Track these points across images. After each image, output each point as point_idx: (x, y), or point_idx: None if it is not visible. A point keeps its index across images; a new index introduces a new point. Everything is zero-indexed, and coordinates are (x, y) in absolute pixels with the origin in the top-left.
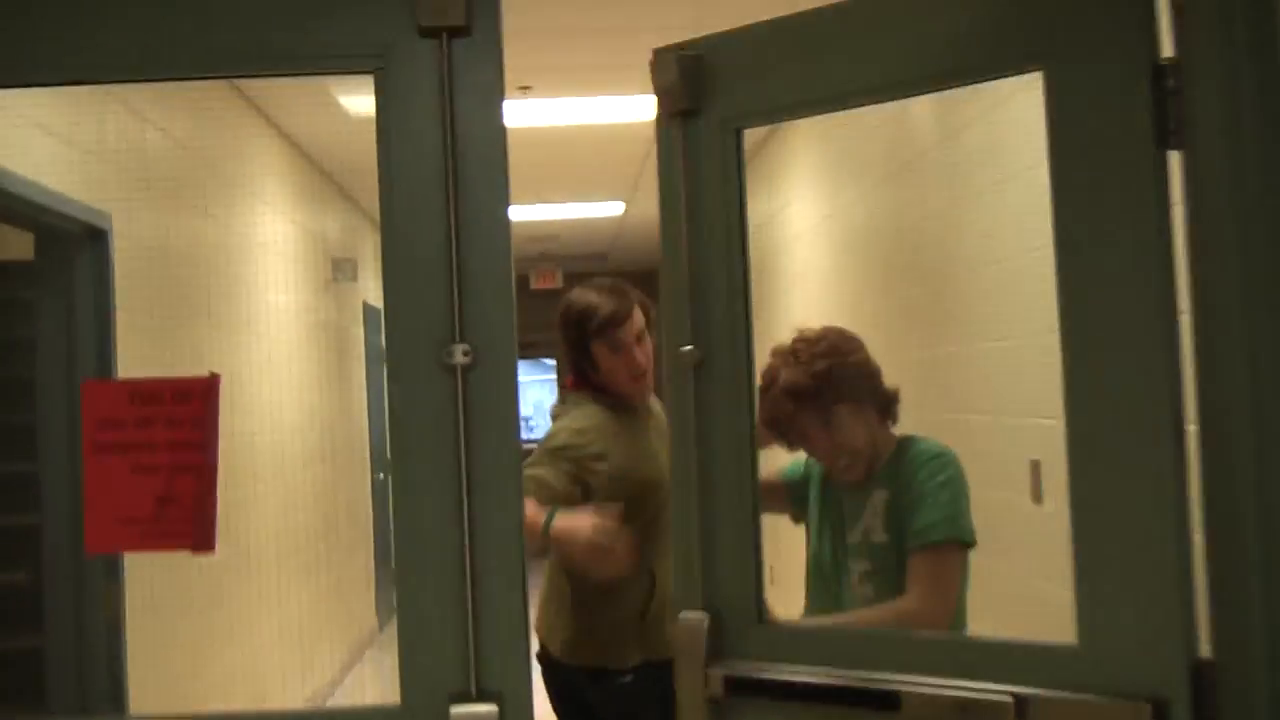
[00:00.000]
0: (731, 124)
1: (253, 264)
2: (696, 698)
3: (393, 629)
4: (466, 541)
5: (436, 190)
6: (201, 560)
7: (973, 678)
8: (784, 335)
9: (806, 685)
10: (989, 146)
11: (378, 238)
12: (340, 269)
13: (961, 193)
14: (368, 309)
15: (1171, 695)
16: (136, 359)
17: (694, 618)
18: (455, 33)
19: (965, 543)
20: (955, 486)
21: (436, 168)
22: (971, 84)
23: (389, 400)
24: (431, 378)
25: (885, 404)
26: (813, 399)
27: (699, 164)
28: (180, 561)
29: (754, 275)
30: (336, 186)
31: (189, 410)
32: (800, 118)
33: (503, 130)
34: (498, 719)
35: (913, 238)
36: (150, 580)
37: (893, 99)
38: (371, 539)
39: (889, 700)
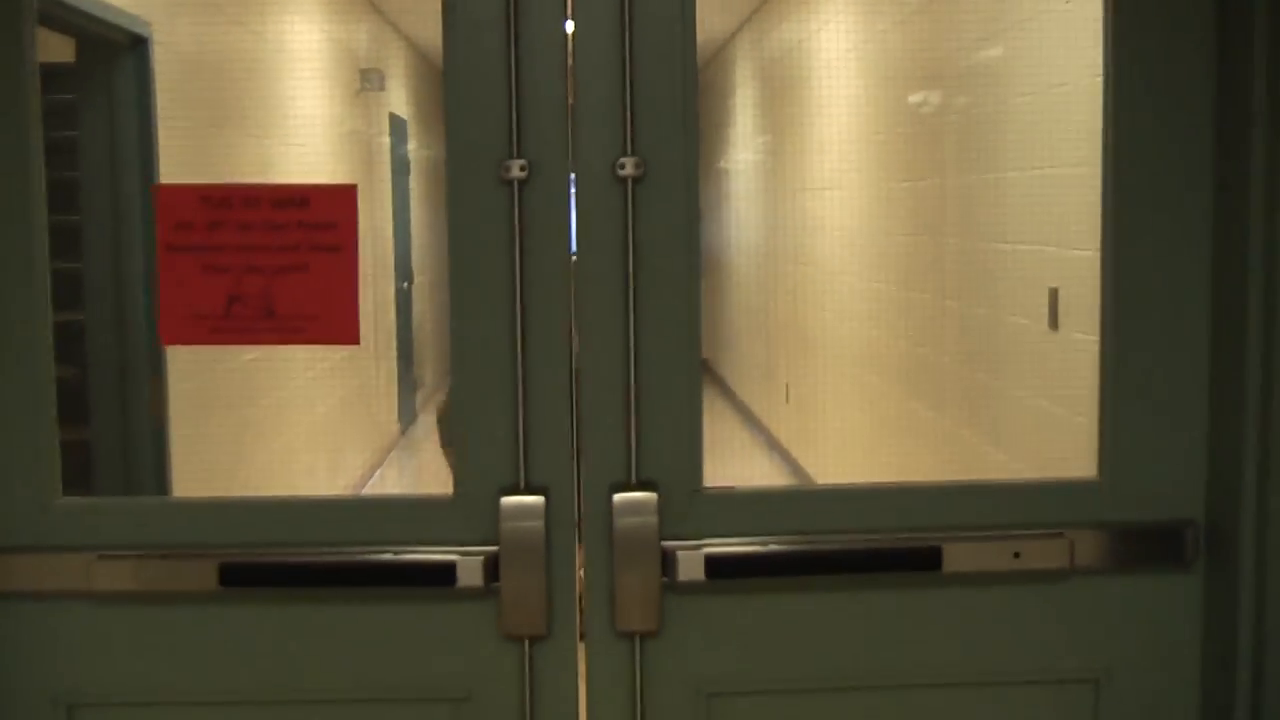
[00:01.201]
0: None
1: (284, 74)
2: (650, 587)
3: (414, 433)
4: (519, 348)
5: (498, 7)
6: (237, 360)
7: (985, 525)
8: (813, 169)
9: (821, 554)
10: None
11: (405, 48)
12: (368, 79)
13: (998, 24)
14: (394, 119)
15: (1193, 516)
16: (176, 164)
17: (639, 497)
18: None
19: None
20: None
21: None
22: None
23: (449, 213)
24: (490, 191)
25: None
26: None
27: None
28: (218, 359)
29: (779, 102)
30: None
31: (297, 214)
32: None
33: None
34: (544, 509)
35: (946, 67)
36: (194, 375)
37: None
38: (395, 346)
39: (929, 558)
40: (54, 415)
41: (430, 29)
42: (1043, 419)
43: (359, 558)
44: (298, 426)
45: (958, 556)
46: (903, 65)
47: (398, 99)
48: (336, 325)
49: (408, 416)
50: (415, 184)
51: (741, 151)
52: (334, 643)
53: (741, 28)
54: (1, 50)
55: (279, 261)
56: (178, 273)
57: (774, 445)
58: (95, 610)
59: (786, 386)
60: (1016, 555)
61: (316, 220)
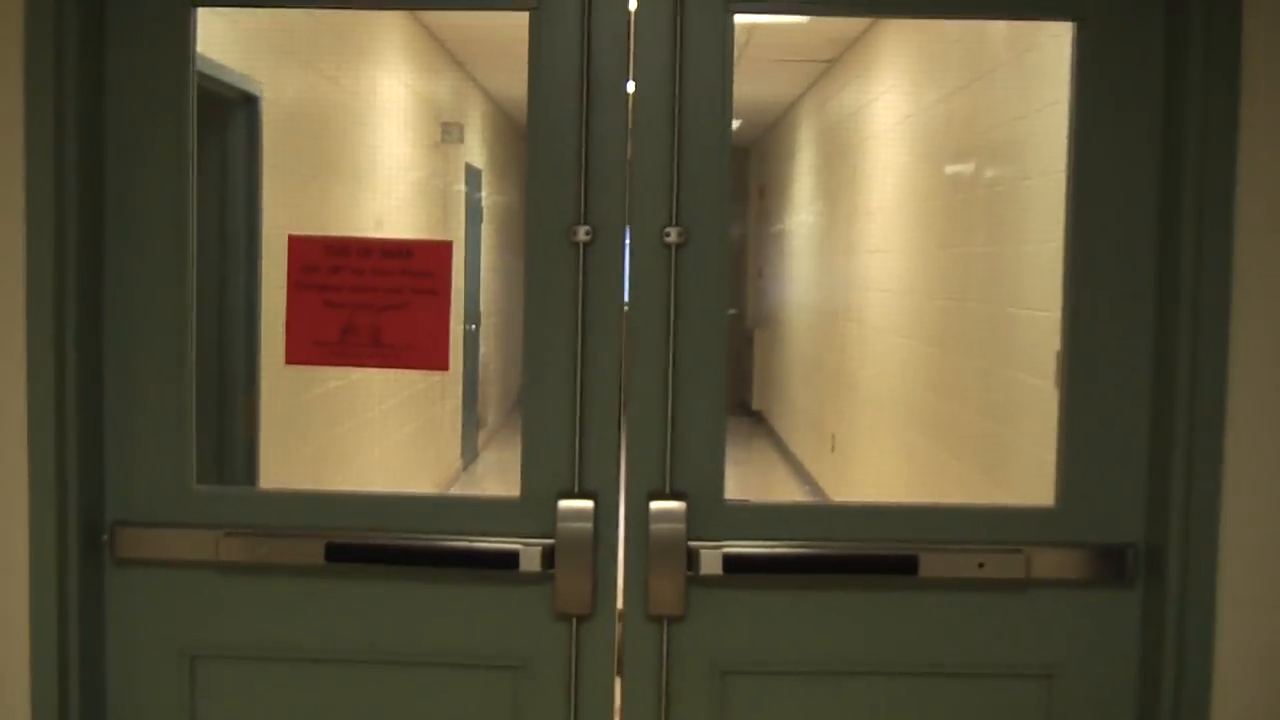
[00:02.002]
0: (732, 7)
1: (371, 127)
2: (678, 579)
3: (474, 470)
4: (578, 379)
5: (574, 109)
6: (321, 387)
7: (956, 539)
8: (863, 232)
9: (818, 557)
10: (1047, 70)
11: (481, 100)
12: (448, 132)
13: (1022, 109)
14: (470, 169)
15: (1134, 540)
16: (277, 208)
17: (671, 505)
18: None
19: None
20: None
21: (575, 99)
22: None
23: (526, 268)
24: (560, 251)
25: None
26: None
27: (693, 44)
28: (304, 387)
29: (837, 165)
30: (447, 53)
31: (401, 264)
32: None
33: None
34: (593, 511)
35: (979, 143)
36: (284, 399)
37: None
38: (461, 386)
39: (907, 564)
40: (192, 419)
41: (507, 82)
42: (1049, 468)
43: (440, 543)
44: (369, 454)
45: (931, 564)
46: (944, 138)
47: (474, 149)
48: (430, 354)
49: (470, 454)
50: (487, 231)
51: (802, 211)
52: (415, 614)
53: (806, 92)
54: (170, 125)
55: (385, 301)
56: (303, 307)
57: (820, 495)
58: (219, 578)
59: (833, 436)
60: (981, 565)
61: (418, 269)
